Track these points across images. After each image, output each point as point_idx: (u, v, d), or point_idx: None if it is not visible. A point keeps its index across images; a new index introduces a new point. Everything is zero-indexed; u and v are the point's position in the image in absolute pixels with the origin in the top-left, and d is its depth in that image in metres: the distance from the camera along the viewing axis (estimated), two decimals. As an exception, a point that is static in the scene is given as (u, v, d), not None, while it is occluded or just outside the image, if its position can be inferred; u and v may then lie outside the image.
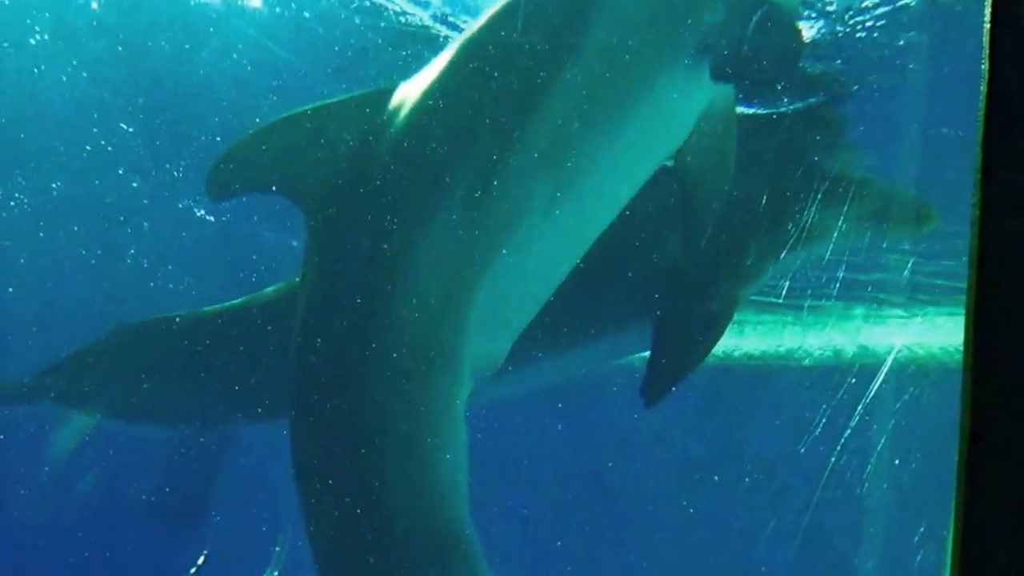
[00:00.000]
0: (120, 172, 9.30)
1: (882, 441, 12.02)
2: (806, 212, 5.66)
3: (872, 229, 6.16)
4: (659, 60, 4.09)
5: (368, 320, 4.08)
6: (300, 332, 4.24)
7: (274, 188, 4.26)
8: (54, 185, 9.73)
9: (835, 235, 5.95)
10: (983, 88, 1.12)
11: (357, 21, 6.22)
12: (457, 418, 4.19)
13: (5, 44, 7.62)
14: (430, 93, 4.12)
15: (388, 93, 4.22)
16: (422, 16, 5.99)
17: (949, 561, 0.96)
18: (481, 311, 4.11)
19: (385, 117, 4.13)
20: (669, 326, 5.44)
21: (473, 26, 4.26)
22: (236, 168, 4.24)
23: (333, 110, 4.23)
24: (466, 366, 4.15)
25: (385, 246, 4.06)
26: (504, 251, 4.09)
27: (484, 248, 4.09)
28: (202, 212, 9.42)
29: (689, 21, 4.11)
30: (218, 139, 8.30)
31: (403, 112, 4.12)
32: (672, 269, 5.30)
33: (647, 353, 5.55)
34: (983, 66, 1.08)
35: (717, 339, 5.56)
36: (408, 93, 4.18)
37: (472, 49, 4.18)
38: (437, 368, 4.10)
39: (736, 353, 14.07)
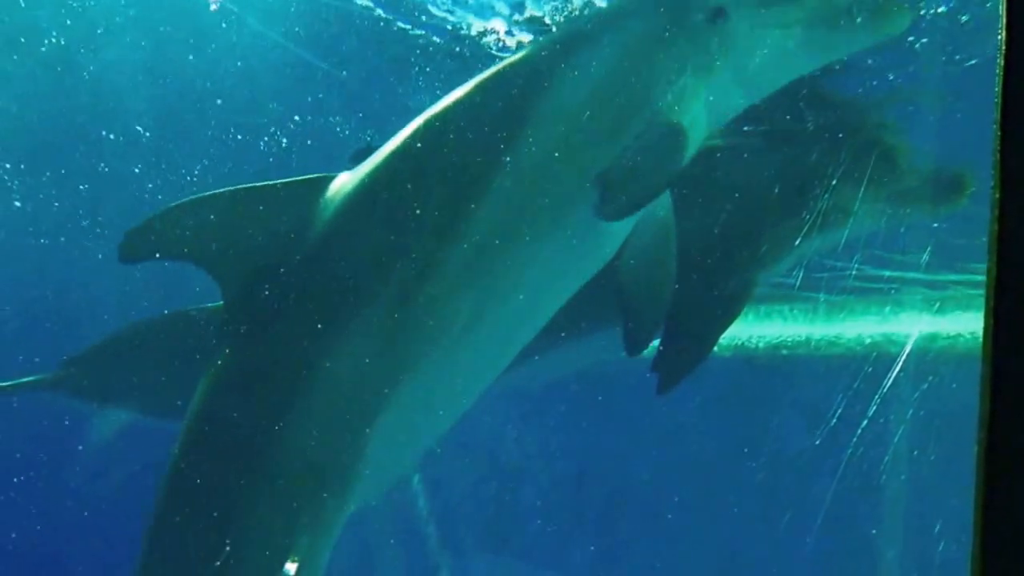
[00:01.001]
0: (136, 170, 9.36)
1: (899, 431, 11.94)
2: (830, 193, 5.56)
3: (905, 206, 6.06)
4: (584, 177, 3.91)
5: (266, 425, 3.85)
6: (194, 416, 4.00)
7: (193, 262, 4.08)
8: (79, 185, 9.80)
9: (864, 215, 5.85)
10: (999, 76, 1.10)
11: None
12: (329, 542, 3.97)
13: (22, 39, 7.65)
14: (358, 196, 3.96)
15: (323, 183, 4.05)
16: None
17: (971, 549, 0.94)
18: (387, 431, 3.90)
19: (315, 210, 3.97)
20: (681, 310, 5.39)
21: (408, 127, 4.09)
22: (154, 238, 4.04)
23: (264, 194, 4.03)
24: (361, 486, 3.95)
25: (296, 349, 3.86)
26: (420, 369, 3.90)
27: (399, 364, 3.89)
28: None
29: (613, 142, 3.94)
30: (236, 135, 8.33)
31: (332, 209, 3.96)
32: (685, 251, 5.24)
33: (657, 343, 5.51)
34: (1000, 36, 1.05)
35: (729, 323, 5.50)
36: (341, 188, 4.01)
37: (401, 156, 4.02)
38: (330, 485, 3.88)
39: (755, 343, 14.03)
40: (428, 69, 6.86)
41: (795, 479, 13.68)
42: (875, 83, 6.14)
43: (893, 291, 11.74)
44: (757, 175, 5.75)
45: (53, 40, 7.39)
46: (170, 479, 3.99)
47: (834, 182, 5.61)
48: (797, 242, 5.60)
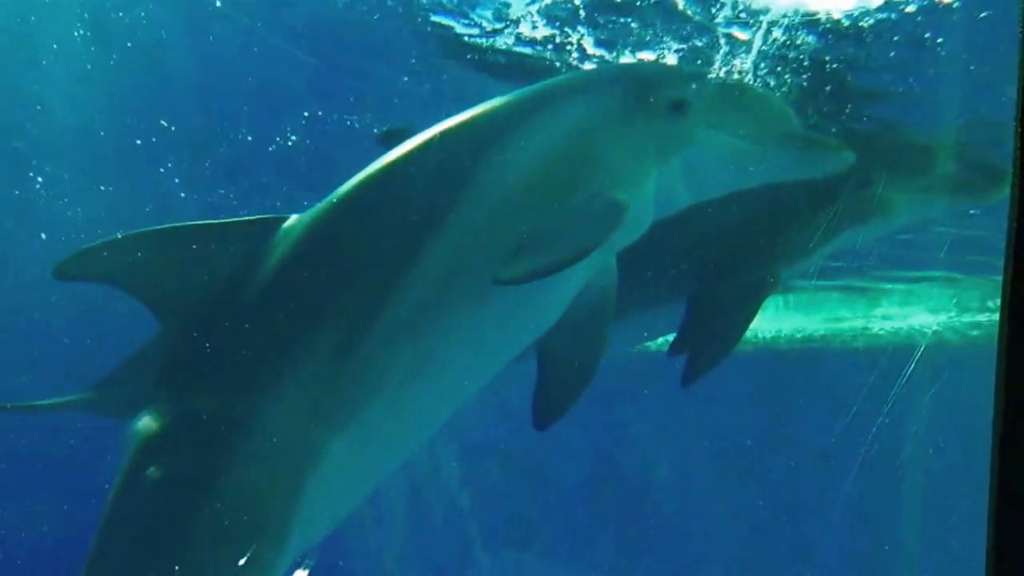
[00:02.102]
0: (161, 170, 9.42)
1: (922, 425, 11.86)
2: (861, 189, 5.52)
3: (940, 199, 6.01)
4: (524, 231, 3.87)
5: (203, 473, 3.80)
6: (129, 462, 3.91)
7: (132, 293, 4.02)
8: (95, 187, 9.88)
9: (898, 209, 5.81)
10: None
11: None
12: None
13: (53, 45, 7.71)
14: (302, 243, 3.90)
15: (270, 226, 3.98)
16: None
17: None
18: (325, 481, 3.84)
19: (259, 254, 3.92)
20: (702, 302, 5.36)
21: (357, 176, 4.05)
22: (94, 266, 3.97)
23: (209, 233, 3.98)
24: (298, 535, 3.87)
25: (232, 396, 3.82)
26: (358, 420, 3.84)
27: (338, 415, 3.83)
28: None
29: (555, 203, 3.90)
30: (247, 136, 8.38)
31: (275, 255, 3.91)
32: (707, 243, 5.21)
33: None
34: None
35: (751, 318, 5.47)
36: (287, 234, 3.95)
37: (347, 206, 3.98)
38: (267, 534, 3.80)
39: (783, 336, 14.00)
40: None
41: (821, 474, 13.62)
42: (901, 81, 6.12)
43: (916, 282, 11.69)
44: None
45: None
46: (104, 525, 3.88)
47: (863, 177, 5.59)
48: (819, 238, 5.58)
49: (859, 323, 13.78)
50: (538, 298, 3.98)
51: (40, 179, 9.97)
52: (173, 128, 8.61)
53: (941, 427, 12.35)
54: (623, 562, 14.47)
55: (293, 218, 4.02)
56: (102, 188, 9.81)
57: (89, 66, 7.80)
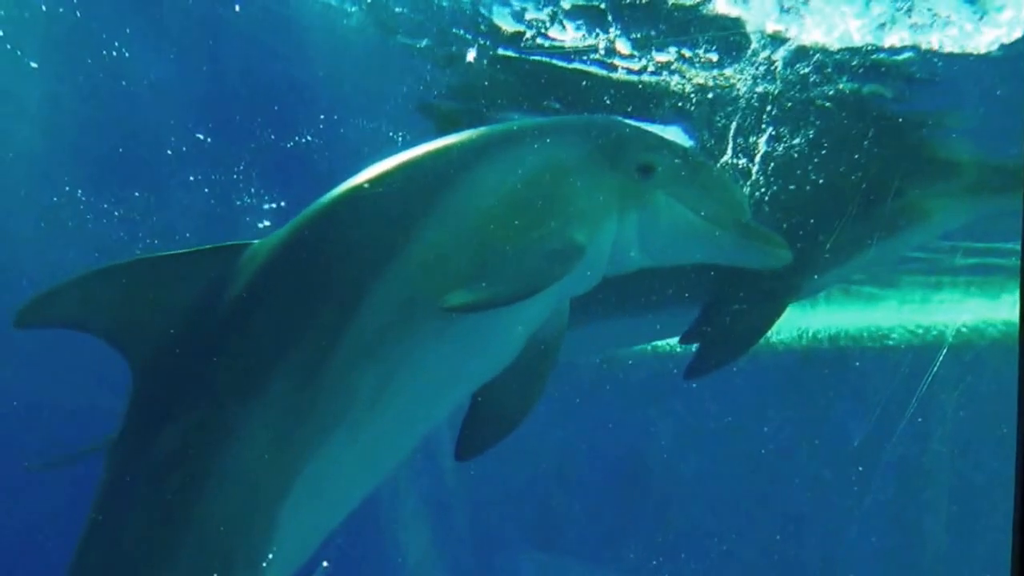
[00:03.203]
0: (192, 179, 9.46)
1: (946, 425, 11.77)
2: (899, 200, 5.52)
3: (971, 205, 5.99)
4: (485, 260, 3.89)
5: (172, 506, 3.81)
6: (101, 494, 3.91)
7: (97, 333, 3.98)
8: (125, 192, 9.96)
9: (931, 218, 5.79)
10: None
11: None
12: None
13: (97, 47, 7.76)
14: (263, 270, 3.90)
15: (231, 253, 3.98)
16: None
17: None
18: (293, 510, 3.84)
19: (221, 282, 3.91)
20: (722, 304, 5.38)
21: (321, 199, 4.04)
22: (56, 309, 3.96)
23: (167, 264, 3.96)
24: (270, 566, 3.86)
25: (200, 427, 3.81)
26: (326, 446, 3.84)
27: (305, 442, 3.82)
28: (266, 223, 9.54)
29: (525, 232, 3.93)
30: (274, 138, 8.42)
31: (237, 282, 3.91)
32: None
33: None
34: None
35: (770, 324, 5.46)
36: (248, 260, 3.95)
37: (310, 230, 3.97)
38: (238, 566, 3.80)
39: (811, 335, 13.92)
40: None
41: (851, 474, 13.53)
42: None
43: (941, 282, 11.59)
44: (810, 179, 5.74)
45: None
46: (76, 559, 3.91)
47: (897, 186, 5.58)
48: (851, 248, 5.55)
49: (887, 322, 13.68)
50: (502, 325, 4.00)
51: (79, 192, 10.06)
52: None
53: (970, 426, 12.24)
54: (649, 562, 14.43)
55: (254, 244, 4.02)
56: (136, 195, 9.90)
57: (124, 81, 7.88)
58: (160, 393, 3.94)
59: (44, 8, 6.77)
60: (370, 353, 3.82)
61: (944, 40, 5.14)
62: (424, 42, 6.19)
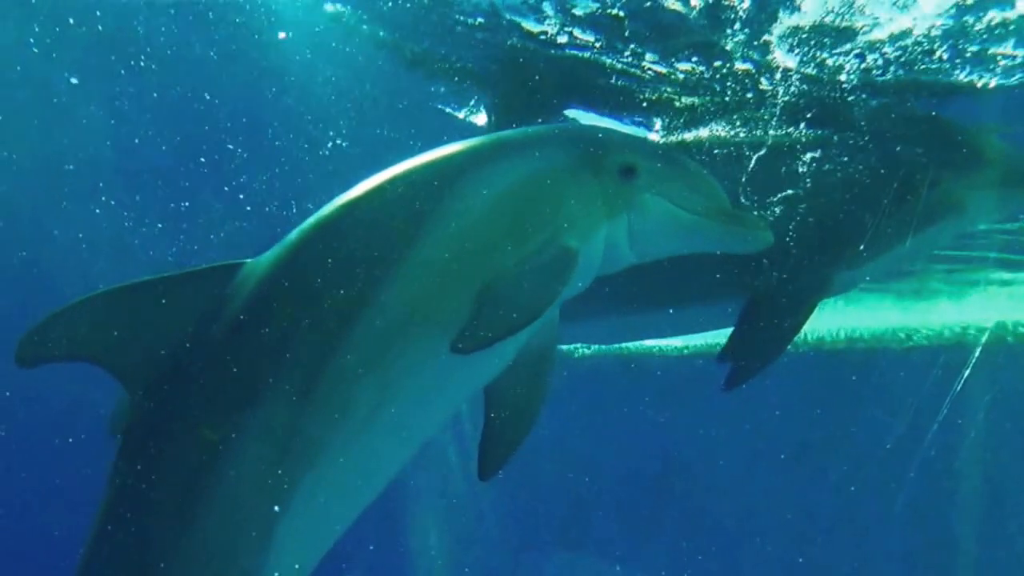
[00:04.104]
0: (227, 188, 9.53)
1: (974, 425, 11.64)
2: (930, 189, 5.44)
3: (1013, 199, 5.91)
4: (481, 274, 3.93)
5: (167, 525, 3.83)
6: (99, 515, 3.91)
7: (94, 361, 3.97)
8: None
9: (969, 208, 5.73)
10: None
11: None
12: None
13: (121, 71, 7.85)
14: (258, 288, 3.92)
15: (224, 273, 3.99)
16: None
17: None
18: (291, 527, 3.87)
19: (216, 302, 3.94)
20: (758, 304, 5.35)
21: (315, 215, 4.06)
22: (51, 342, 3.93)
23: (160, 287, 3.96)
24: None
25: (197, 445, 3.83)
26: (324, 457, 3.87)
27: (302, 454, 3.85)
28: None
29: (511, 255, 3.95)
30: (304, 145, 8.48)
31: (232, 302, 3.93)
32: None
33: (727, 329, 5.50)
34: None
35: (804, 321, 5.42)
36: (242, 279, 3.97)
37: (304, 246, 3.99)
38: None
39: (839, 336, 13.83)
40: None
41: (881, 475, 13.42)
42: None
43: (972, 280, 11.45)
44: (839, 175, 5.70)
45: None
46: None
47: (932, 177, 5.51)
48: (885, 240, 5.50)
49: (914, 322, 13.55)
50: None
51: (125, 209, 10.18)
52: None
53: (1000, 426, 12.09)
54: (678, 562, 14.40)
55: (248, 263, 4.04)
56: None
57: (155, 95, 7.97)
58: (157, 413, 3.96)
59: (100, 28, 6.91)
60: (366, 369, 3.85)
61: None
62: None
